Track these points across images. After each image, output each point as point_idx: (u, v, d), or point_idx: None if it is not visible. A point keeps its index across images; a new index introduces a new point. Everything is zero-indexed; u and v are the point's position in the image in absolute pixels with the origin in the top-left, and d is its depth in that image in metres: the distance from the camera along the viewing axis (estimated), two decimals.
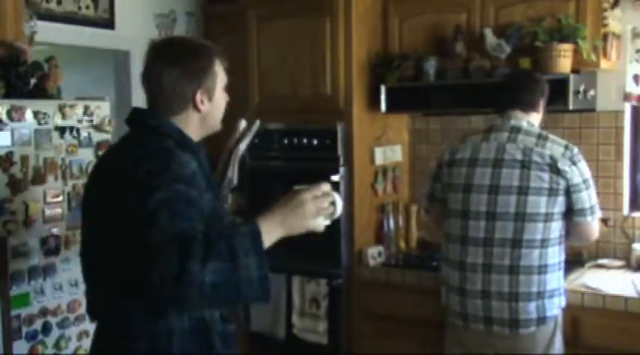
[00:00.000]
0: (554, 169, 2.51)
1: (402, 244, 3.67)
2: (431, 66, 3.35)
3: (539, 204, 2.52)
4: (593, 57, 3.00)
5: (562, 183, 2.52)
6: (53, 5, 3.34)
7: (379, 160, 3.62)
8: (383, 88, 3.46)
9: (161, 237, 1.51)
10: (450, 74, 3.34)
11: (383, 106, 3.48)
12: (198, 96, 1.77)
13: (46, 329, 2.88)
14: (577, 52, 2.99)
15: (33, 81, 2.96)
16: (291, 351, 3.58)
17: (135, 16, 3.78)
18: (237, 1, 3.78)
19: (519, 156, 2.55)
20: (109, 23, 3.64)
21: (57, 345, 2.93)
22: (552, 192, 2.52)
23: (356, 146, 3.45)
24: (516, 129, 2.60)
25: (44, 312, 2.88)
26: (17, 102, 2.78)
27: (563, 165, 2.52)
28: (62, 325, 2.95)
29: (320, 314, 3.47)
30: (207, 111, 1.80)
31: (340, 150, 3.42)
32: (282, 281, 3.53)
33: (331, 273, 3.46)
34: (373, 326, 3.37)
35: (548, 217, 2.53)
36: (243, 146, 2.77)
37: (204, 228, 1.56)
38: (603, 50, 3.08)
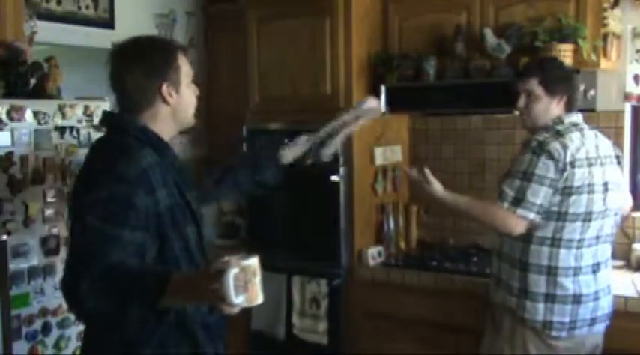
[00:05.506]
0: (620, 159, 2.64)
1: (402, 244, 3.67)
2: (431, 66, 3.35)
3: (620, 198, 2.61)
4: (593, 57, 3.00)
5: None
6: (53, 5, 3.34)
7: (379, 160, 3.62)
8: (383, 88, 3.45)
9: (82, 239, 1.60)
10: (450, 74, 3.34)
11: (383, 106, 3.47)
12: (165, 89, 1.79)
13: (46, 329, 2.89)
14: (577, 52, 2.99)
15: (33, 81, 2.97)
16: (291, 351, 3.57)
17: (135, 16, 3.78)
18: (237, 1, 3.78)
19: (610, 152, 2.59)
20: (108, 23, 3.64)
21: (57, 345, 2.94)
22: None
23: (356, 146, 3.45)
24: (589, 127, 2.61)
25: (44, 312, 2.88)
26: (17, 102, 2.79)
27: (619, 151, 2.66)
28: (62, 325, 2.95)
29: (320, 314, 3.47)
30: (176, 103, 1.82)
31: (340, 150, 3.42)
32: (282, 281, 3.51)
33: (331, 273, 3.45)
34: (373, 326, 3.36)
35: None
36: (360, 122, 2.49)
37: (125, 252, 1.57)
38: (603, 50, 3.08)
